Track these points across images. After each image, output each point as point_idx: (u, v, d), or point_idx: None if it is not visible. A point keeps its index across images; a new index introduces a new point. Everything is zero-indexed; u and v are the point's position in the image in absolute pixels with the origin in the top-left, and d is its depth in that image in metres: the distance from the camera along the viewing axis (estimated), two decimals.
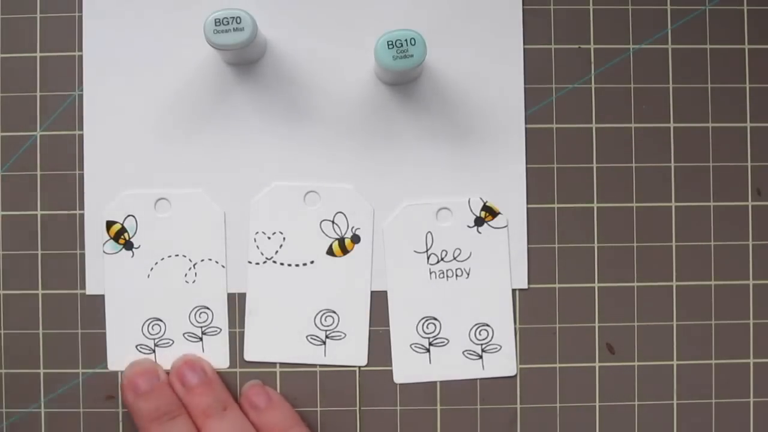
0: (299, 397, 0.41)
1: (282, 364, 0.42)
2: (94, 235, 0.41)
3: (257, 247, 0.41)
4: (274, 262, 0.41)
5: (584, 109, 0.42)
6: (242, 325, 0.41)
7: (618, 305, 0.42)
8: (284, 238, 0.41)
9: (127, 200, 0.41)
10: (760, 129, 0.42)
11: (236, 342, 0.41)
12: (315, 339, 0.41)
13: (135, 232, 0.41)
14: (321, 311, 0.41)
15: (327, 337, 0.41)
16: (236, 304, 0.42)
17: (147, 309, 0.41)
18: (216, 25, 0.37)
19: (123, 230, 0.41)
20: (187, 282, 0.41)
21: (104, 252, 0.41)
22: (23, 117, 0.41)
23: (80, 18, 0.42)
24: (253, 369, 0.41)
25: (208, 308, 0.41)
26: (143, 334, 0.41)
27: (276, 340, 0.41)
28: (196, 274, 0.41)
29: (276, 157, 0.41)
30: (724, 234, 0.42)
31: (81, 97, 0.41)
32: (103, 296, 0.41)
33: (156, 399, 0.39)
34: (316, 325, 0.41)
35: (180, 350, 0.41)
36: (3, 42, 0.41)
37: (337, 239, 0.42)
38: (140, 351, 0.41)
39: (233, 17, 0.37)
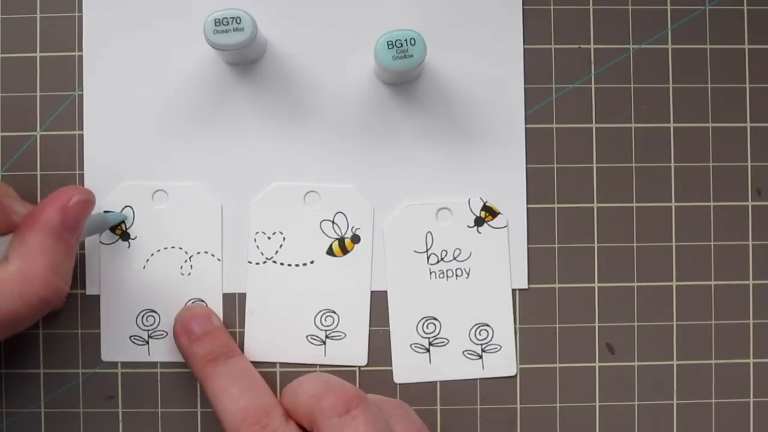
0: None
1: (282, 364, 0.42)
2: (94, 235, 0.41)
3: (257, 247, 0.41)
4: (274, 262, 0.41)
5: (584, 109, 0.42)
6: (242, 325, 0.41)
7: (618, 305, 0.42)
8: (284, 238, 0.41)
9: (125, 191, 0.41)
10: (760, 129, 0.42)
11: (236, 342, 0.41)
12: (315, 339, 0.41)
13: (132, 223, 0.41)
14: (321, 311, 0.41)
15: (327, 337, 0.41)
16: (236, 304, 0.42)
17: (142, 300, 0.41)
18: (216, 25, 0.37)
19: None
20: (182, 274, 0.41)
21: (100, 242, 0.41)
22: (23, 117, 0.41)
23: (80, 18, 0.42)
24: None
25: (202, 301, 0.41)
26: (137, 325, 0.41)
27: (276, 340, 0.41)
28: (191, 266, 0.41)
29: (276, 157, 0.42)
30: (724, 234, 0.42)
31: (81, 97, 0.41)
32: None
33: (210, 342, 0.39)
34: (316, 325, 0.41)
35: (173, 342, 0.41)
36: (3, 42, 0.41)
37: (337, 239, 0.42)
38: (134, 342, 0.41)
39: (233, 17, 0.37)
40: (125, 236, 0.41)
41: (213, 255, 0.41)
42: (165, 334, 0.41)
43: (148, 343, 0.41)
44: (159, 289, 0.41)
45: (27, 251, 0.34)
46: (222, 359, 0.38)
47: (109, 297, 0.41)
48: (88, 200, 0.36)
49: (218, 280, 0.41)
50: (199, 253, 0.41)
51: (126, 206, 0.41)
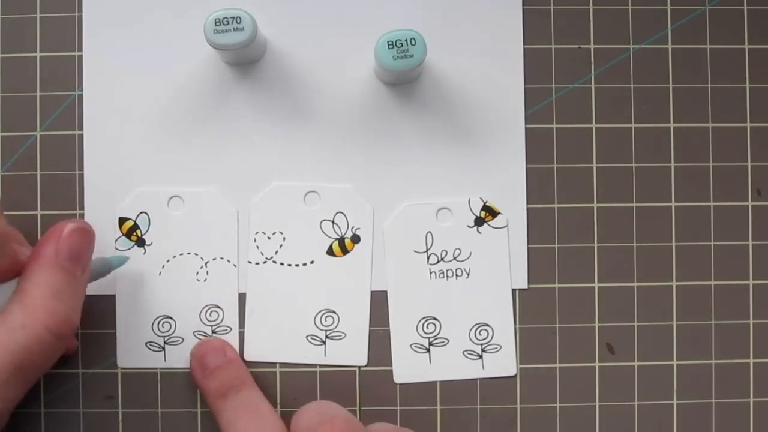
0: (299, 397, 0.41)
1: (282, 364, 0.42)
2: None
3: (257, 247, 0.41)
4: (274, 262, 0.41)
5: (584, 109, 0.42)
6: (242, 325, 0.41)
7: (618, 305, 0.42)
8: (284, 238, 0.41)
9: (140, 197, 0.41)
10: (760, 129, 0.42)
11: (237, 342, 0.41)
12: (315, 339, 0.41)
13: (147, 229, 0.41)
14: (321, 311, 0.41)
15: (327, 337, 0.41)
16: (236, 304, 0.42)
17: (157, 306, 0.41)
18: (216, 25, 0.37)
19: (135, 227, 0.41)
20: (198, 280, 0.41)
21: (116, 249, 0.41)
22: (23, 117, 0.41)
23: (80, 18, 0.42)
24: (254, 369, 0.41)
25: (218, 307, 0.41)
26: (153, 331, 0.41)
27: (276, 340, 0.41)
28: (207, 272, 0.41)
29: (276, 157, 0.42)
30: (724, 234, 0.42)
31: (81, 97, 0.41)
32: (102, 296, 0.41)
33: (222, 376, 0.39)
34: (316, 325, 0.41)
35: (190, 348, 0.41)
36: (3, 42, 0.41)
37: (337, 239, 0.42)
38: (150, 348, 0.41)
39: (233, 17, 0.37)
40: (141, 242, 0.41)
41: (229, 261, 0.41)
42: (181, 340, 0.41)
43: (164, 349, 0.41)
44: (175, 296, 0.41)
45: (26, 284, 0.35)
46: (232, 393, 0.38)
47: (124, 303, 0.41)
48: (83, 228, 0.36)
49: (234, 285, 0.41)
50: (215, 259, 0.41)
51: (141, 212, 0.41)
